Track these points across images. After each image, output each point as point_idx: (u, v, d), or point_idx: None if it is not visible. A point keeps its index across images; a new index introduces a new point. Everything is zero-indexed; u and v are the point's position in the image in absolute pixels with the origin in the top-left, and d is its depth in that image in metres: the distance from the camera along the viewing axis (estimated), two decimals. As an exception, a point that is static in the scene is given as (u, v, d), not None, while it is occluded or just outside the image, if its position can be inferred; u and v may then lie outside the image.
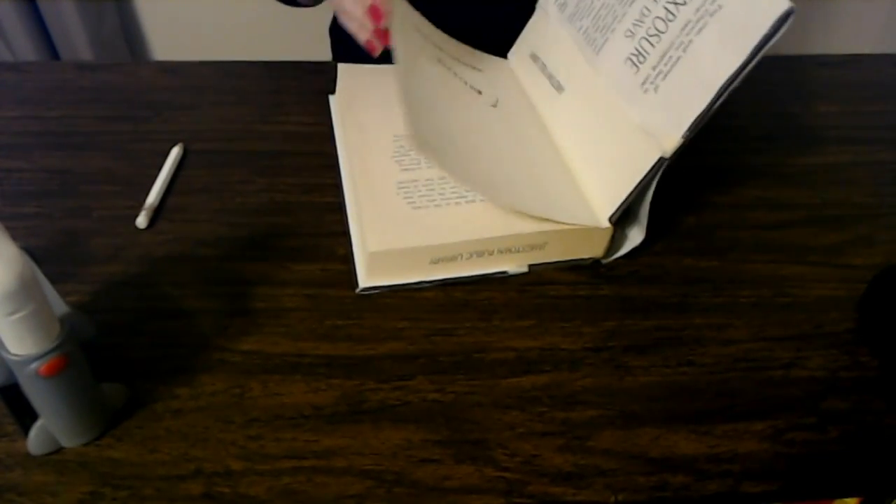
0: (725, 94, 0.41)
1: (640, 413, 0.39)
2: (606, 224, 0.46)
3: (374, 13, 0.52)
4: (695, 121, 0.42)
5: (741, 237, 0.50)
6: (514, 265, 0.46)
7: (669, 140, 0.43)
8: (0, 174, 0.53)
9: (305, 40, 1.10)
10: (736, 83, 0.41)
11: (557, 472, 0.36)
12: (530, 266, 0.46)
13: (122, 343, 0.41)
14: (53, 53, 1.38)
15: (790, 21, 0.39)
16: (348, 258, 0.47)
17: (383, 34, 0.53)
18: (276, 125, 0.59)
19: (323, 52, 0.84)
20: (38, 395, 0.33)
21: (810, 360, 0.42)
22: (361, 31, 0.53)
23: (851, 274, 0.47)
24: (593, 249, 0.47)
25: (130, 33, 1.50)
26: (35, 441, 0.35)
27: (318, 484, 0.35)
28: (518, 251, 0.45)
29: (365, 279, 0.45)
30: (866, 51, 0.74)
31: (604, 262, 0.47)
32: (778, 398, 0.40)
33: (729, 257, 0.48)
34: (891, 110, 0.64)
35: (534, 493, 0.35)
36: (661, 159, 0.43)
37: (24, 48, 1.34)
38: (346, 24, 0.55)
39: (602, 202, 0.46)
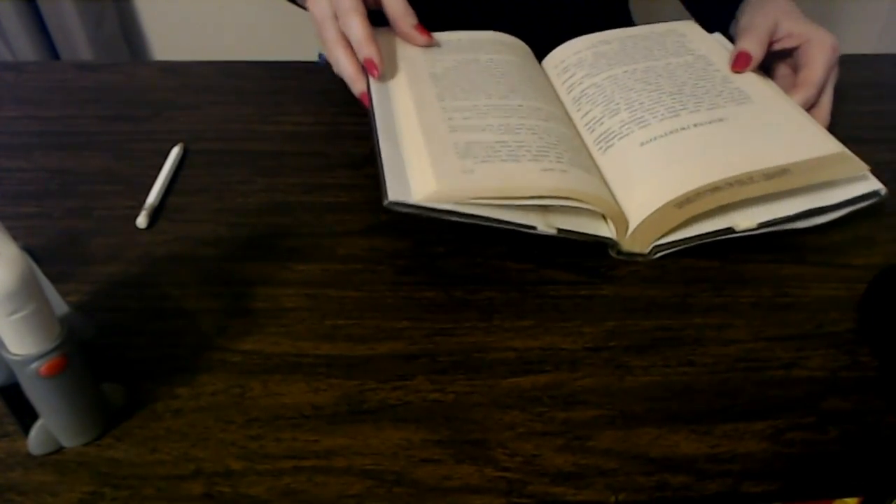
0: (809, 222, 0.48)
1: (640, 413, 0.39)
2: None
3: (370, 66, 0.52)
4: (773, 220, 0.47)
5: (741, 237, 0.50)
6: (545, 223, 0.45)
7: (745, 221, 0.47)
8: (0, 174, 0.53)
9: (305, 40, 1.10)
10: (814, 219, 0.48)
11: (558, 472, 0.36)
12: (559, 230, 0.45)
13: (122, 343, 0.41)
14: (53, 53, 1.39)
15: (874, 200, 0.49)
16: (349, 258, 0.47)
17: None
18: (276, 125, 0.59)
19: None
20: (38, 394, 0.33)
21: (810, 360, 0.42)
22: (355, 84, 0.53)
23: (851, 274, 0.47)
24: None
25: (130, 33, 1.50)
26: (35, 441, 0.35)
27: (319, 484, 0.35)
28: (551, 208, 0.45)
29: (400, 193, 0.42)
30: (866, 51, 0.74)
31: (617, 253, 0.48)
32: (778, 398, 0.40)
33: (729, 257, 0.48)
34: (891, 110, 0.64)
35: (534, 492, 0.35)
36: (729, 229, 0.47)
37: (24, 48, 1.34)
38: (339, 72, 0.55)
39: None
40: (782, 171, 0.47)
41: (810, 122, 0.52)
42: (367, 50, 0.51)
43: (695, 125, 0.50)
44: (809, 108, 0.55)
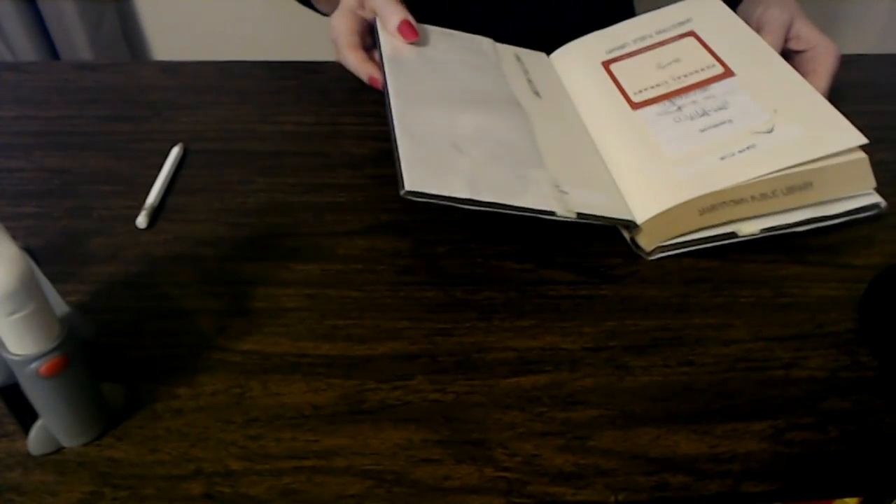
0: (808, 227, 0.48)
1: (640, 413, 0.39)
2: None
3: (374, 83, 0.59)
4: (776, 227, 0.47)
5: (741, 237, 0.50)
6: (564, 209, 0.45)
7: (748, 227, 0.47)
8: (0, 174, 0.53)
9: (305, 40, 1.11)
10: (814, 226, 0.48)
11: (558, 472, 0.36)
12: (579, 214, 0.45)
13: (122, 343, 0.41)
14: (53, 53, 1.39)
15: (873, 213, 0.49)
16: (349, 258, 0.47)
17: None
18: (276, 125, 0.59)
19: (323, 53, 0.84)
20: (38, 395, 0.33)
21: (810, 360, 0.42)
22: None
23: (851, 274, 0.47)
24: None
25: (130, 33, 1.50)
26: (35, 441, 0.35)
27: (318, 484, 0.35)
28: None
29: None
30: (866, 51, 0.73)
31: (631, 241, 0.48)
32: (778, 398, 0.40)
33: (729, 257, 0.48)
34: (891, 110, 0.64)
35: (534, 493, 0.35)
36: (731, 233, 0.47)
37: (24, 48, 1.34)
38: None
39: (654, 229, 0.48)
40: (805, 185, 0.47)
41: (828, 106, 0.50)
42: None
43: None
44: None
